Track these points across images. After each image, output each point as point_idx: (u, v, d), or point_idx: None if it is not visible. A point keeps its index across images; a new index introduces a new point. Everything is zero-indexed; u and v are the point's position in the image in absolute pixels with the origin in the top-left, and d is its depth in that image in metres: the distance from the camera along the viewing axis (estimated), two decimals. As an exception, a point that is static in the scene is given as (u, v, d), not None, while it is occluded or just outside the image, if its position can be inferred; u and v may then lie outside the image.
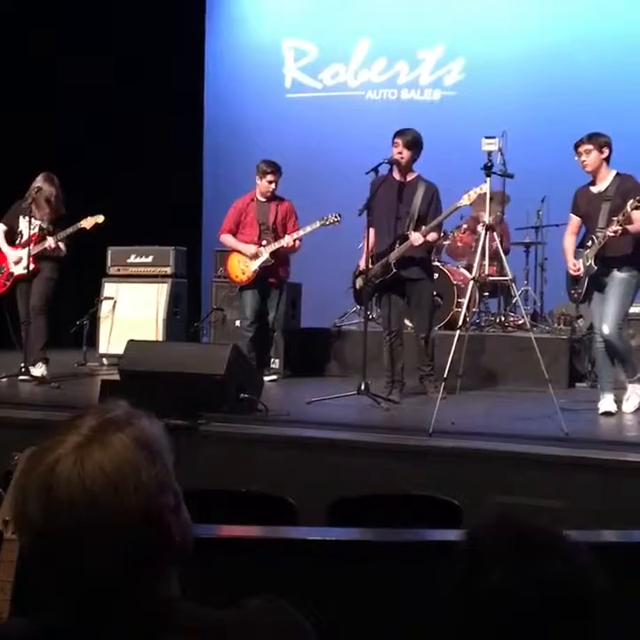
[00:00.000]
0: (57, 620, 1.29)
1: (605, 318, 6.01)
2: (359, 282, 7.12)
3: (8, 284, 7.64)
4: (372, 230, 6.77)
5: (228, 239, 7.94)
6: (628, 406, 6.23)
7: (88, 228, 7.53)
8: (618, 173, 6.07)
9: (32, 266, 7.49)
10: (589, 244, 6.08)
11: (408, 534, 2.76)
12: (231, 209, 7.99)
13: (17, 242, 7.67)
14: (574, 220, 6.28)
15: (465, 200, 6.61)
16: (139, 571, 1.27)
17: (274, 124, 11.12)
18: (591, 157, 6.03)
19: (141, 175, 10.22)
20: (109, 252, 9.15)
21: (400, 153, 6.80)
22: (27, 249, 7.50)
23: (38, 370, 7.49)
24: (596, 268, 6.01)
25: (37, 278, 7.60)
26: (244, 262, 7.81)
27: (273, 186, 7.82)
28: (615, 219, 5.81)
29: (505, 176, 7.91)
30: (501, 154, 8.09)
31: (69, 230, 7.53)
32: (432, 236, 6.84)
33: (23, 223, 7.62)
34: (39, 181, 7.59)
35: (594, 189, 6.12)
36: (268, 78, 11.47)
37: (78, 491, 1.23)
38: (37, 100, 10.22)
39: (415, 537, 2.70)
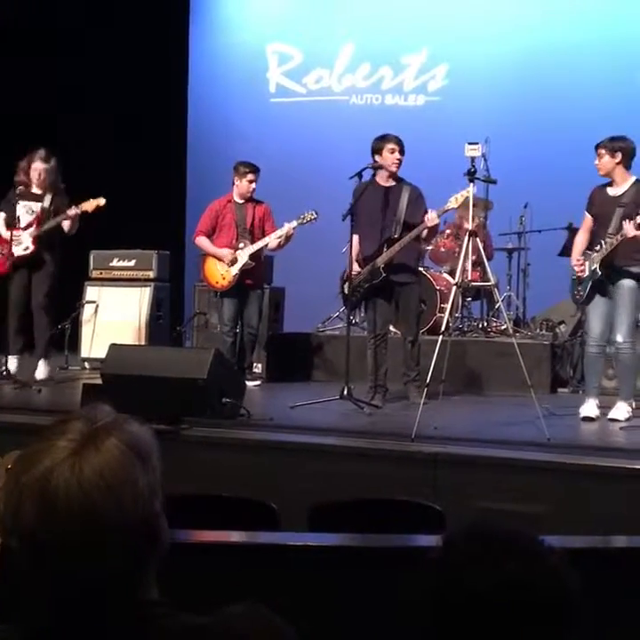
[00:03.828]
0: (41, 624, 1.29)
1: (619, 328, 6.01)
2: (347, 287, 7.11)
3: (8, 264, 7.45)
4: (355, 236, 6.80)
5: (203, 242, 7.77)
6: (617, 416, 6.13)
7: (90, 210, 7.47)
8: (638, 180, 6.04)
9: (33, 247, 7.43)
10: (597, 248, 6.08)
11: (390, 540, 2.75)
12: (207, 210, 7.84)
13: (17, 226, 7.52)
14: (588, 219, 6.24)
15: (452, 203, 6.63)
16: (127, 575, 1.28)
17: (258, 128, 11.11)
18: (603, 161, 6.05)
19: (124, 179, 10.18)
20: (92, 255, 9.11)
21: (399, 159, 6.83)
22: (28, 231, 7.47)
23: (40, 368, 7.56)
24: (599, 273, 6.01)
25: (39, 273, 7.53)
26: (224, 267, 7.67)
27: (253, 186, 7.73)
28: (635, 222, 5.78)
29: (488, 182, 7.93)
30: (485, 160, 8.10)
31: (72, 212, 7.45)
32: (434, 222, 6.78)
33: (20, 208, 7.54)
34: (29, 160, 7.55)
35: (611, 191, 6.11)
36: (252, 83, 11.46)
37: (77, 496, 1.24)
38: (15, 97, 10.17)
39: (397, 542, 2.70)
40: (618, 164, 6.03)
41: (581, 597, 1.37)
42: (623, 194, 6.00)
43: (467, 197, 6.49)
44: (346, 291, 6.96)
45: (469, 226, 6.55)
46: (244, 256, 7.60)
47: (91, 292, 8.99)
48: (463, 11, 10.72)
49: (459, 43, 10.67)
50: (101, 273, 9.13)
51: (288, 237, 7.56)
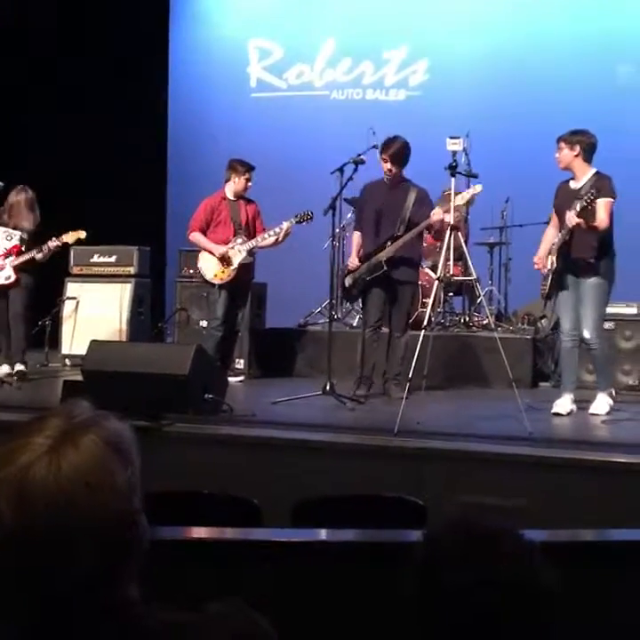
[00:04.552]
0: (19, 623, 1.27)
1: (586, 324, 6.04)
2: (348, 280, 7.16)
3: None
4: (357, 233, 7.07)
5: (198, 238, 7.71)
6: (597, 410, 6.18)
7: (71, 242, 7.74)
8: (597, 172, 6.07)
9: (14, 277, 7.64)
10: (556, 240, 6.11)
11: (373, 535, 2.75)
12: (201, 206, 7.79)
13: None
14: (553, 214, 6.30)
15: (458, 200, 6.65)
16: (106, 573, 1.27)
17: (239, 123, 11.09)
18: (562, 154, 6.10)
19: (105, 174, 10.14)
20: (72, 251, 9.05)
21: (390, 170, 6.92)
22: (8, 260, 7.63)
23: (17, 368, 7.68)
24: (556, 264, 6.04)
25: (17, 287, 7.71)
26: (225, 261, 7.64)
27: (250, 184, 7.76)
28: (575, 210, 5.82)
29: (469, 176, 7.95)
30: (466, 154, 8.12)
31: (53, 244, 7.61)
32: (439, 217, 6.82)
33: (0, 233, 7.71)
34: (12, 193, 7.77)
35: (572, 185, 6.15)
36: (232, 77, 11.43)
37: (54, 493, 1.22)
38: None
39: (381, 537, 2.69)
40: (576, 156, 6.07)
41: (562, 592, 1.37)
42: (582, 187, 6.02)
43: (475, 193, 6.59)
44: (346, 284, 7.04)
45: (451, 220, 6.55)
46: (242, 251, 7.60)
47: (71, 289, 8.95)
48: (443, 6, 10.73)
49: (440, 37, 10.68)
50: (82, 269, 9.09)
51: (286, 235, 7.57)
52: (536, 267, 6.24)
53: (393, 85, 11.01)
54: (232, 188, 7.75)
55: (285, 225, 7.51)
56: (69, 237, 7.65)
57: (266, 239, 7.59)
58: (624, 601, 2.48)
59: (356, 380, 6.91)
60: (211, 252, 7.63)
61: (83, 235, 7.66)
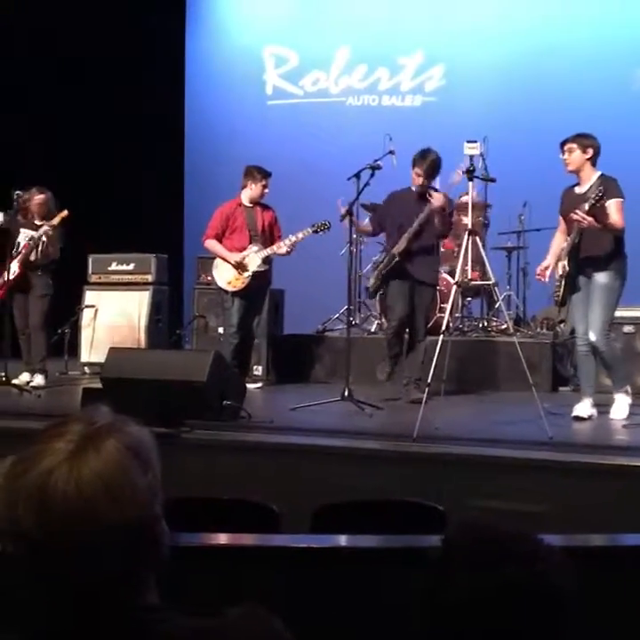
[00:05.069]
0: (39, 629, 1.27)
1: (591, 325, 5.99)
2: (371, 280, 7.38)
3: (1, 292, 7.75)
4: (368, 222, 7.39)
5: (214, 246, 7.73)
6: (618, 414, 6.15)
7: (56, 224, 7.76)
8: (602, 175, 6.02)
9: (19, 270, 7.72)
10: (565, 245, 6.07)
11: (392, 540, 2.74)
12: (217, 214, 7.79)
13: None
14: (561, 220, 6.25)
15: (454, 177, 6.75)
16: (126, 579, 1.27)
17: (255, 130, 11.12)
18: (573, 156, 6.02)
19: (122, 182, 10.18)
20: (90, 259, 9.10)
21: (422, 185, 6.94)
22: (17, 257, 7.76)
23: (37, 380, 7.72)
24: (568, 269, 6.00)
25: (32, 296, 7.80)
26: (240, 268, 7.65)
27: (267, 191, 7.75)
28: (584, 209, 5.77)
29: (487, 180, 7.94)
30: (483, 158, 8.10)
31: (42, 230, 7.71)
32: (440, 200, 6.92)
33: (21, 235, 7.80)
34: (29, 195, 7.85)
35: (577, 190, 6.09)
36: (249, 85, 11.46)
37: (75, 498, 1.22)
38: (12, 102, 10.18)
39: (400, 543, 2.68)
40: (588, 160, 6.01)
41: (580, 598, 1.35)
42: (588, 190, 5.93)
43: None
44: (369, 283, 7.33)
45: (469, 225, 6.54)
46: (257, 259, 7.59)
47: (90, 297, 8.99)
48: (459, 11, 10.73)
49: (455, 43, 10.68)
50: (100, 277, 9.12)
51: (294, 244, 7.58)
52: (539, 278, 6.20)
53: (409, 91, 11.01)
54: (248, 194, 7.74)
55: (301, 235, 7.52)
56: (55, 220, 7.74)
57: (281, 248, 7.59)
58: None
59: (406, 383, 6.98)
60: (225, 260, 7.64)
61: (65, 213, 7.75)
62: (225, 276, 7.66)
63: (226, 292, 7.68)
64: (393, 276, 7.02)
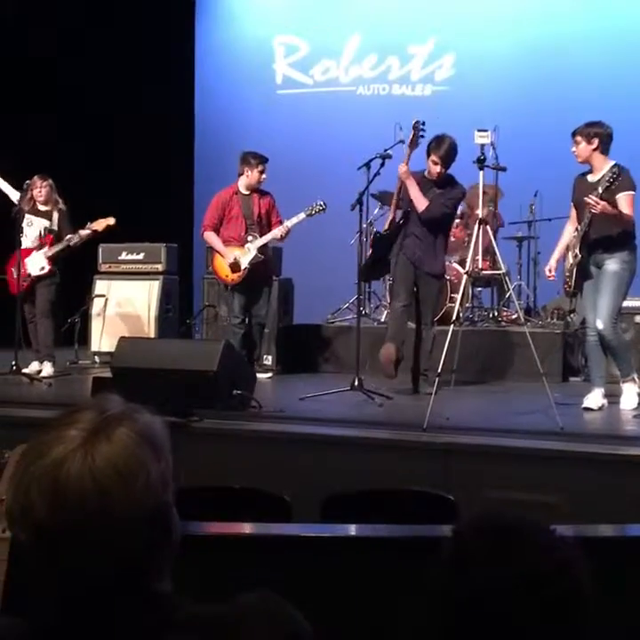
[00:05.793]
0: (54, 619, 1.28)
1: (599, 313, 5.97)
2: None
3: (25, 284, 7.68)
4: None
5: (212, 238, 7.69)
6: (628, 404, 6.13)
7: (100, 230, 7.77)
8: (616, 164, 5.93)
9: (49, 267, 7.72)
10: (575, 234, 6.04)
11: (403, 530, 2.74)
12: (213, 203, 7.72)
13: (23, 244, 7.74)
14: (572, 208, 6.21)
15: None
16: (141, 568, 1.27)
17: (265, 120, 11.10)
18: (580, 148, 5.97)
19: (132, 172, 10.18)
20: (100, 249, 9.11)
21: (439, 173, 6.69)
22: (42, 251, 7.73)
23: (46, 368, 7.73)
24: (580, 256, 5.97)
25: (40, 284, 7.78)
26: (234, 268, 7.60)
27: (264, 176, 7.65)
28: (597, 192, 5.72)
29: (497, 169, 7.92)
30: (493, 148, 8.07)
31: (84, 233, 7.71)
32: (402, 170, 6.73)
33: (25, 221, 7.74)
34: (33, 182, 7.78)
35: (589, 179, 6.03)
36: (258, 74, 11.44)
37: (88, 486, 1.22)
38: (33, 100, 10.18)
39: (410, 532, 2.69)
40: (594, 150, 5.93)
41: (594, 589, 1.34)
42: (600, 180, 5.85)
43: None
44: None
45: (480, 214, 6.51)
46: (253, 250, 7.56)
47: (100, 286, 9.00)
48: (470, 0, 10.67)
49: (466, 32, 10.63)
50: (110, 266, 9.13)
51: (289, 229, 7.53)
52: (548, 276, 6.19)
53: (419, 80, 10.98)
54: (245, 181, 7.65)
55: (295, 220, 7.47)
56: (99, 225, 7.73)
57: (276, 235, 7.54)
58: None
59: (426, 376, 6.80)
60: (221, 255, 7.63)
61: (112, 221, 7.73)
62: (223, 268, 7.67)
63: (226, 285, 7.70)
64: (402, 270, 6.86)
